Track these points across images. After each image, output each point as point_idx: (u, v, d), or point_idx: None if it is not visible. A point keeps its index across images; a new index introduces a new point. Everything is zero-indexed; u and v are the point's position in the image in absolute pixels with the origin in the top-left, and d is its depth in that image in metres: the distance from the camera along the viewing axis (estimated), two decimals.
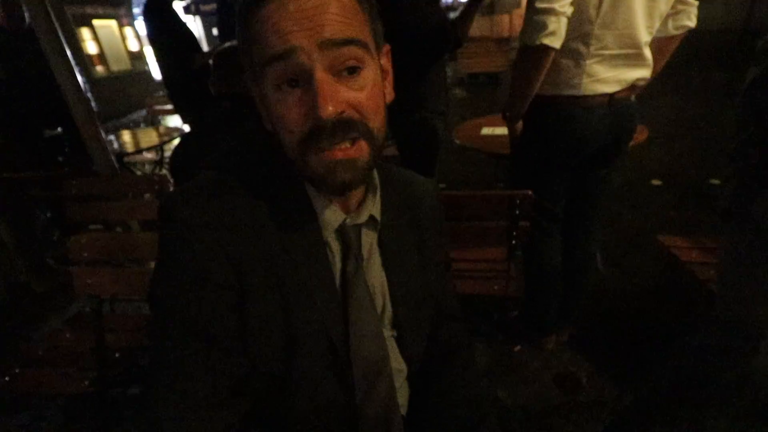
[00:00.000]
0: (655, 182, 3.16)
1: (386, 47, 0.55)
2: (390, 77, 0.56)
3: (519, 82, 1.23)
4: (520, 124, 1.38)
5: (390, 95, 0.55)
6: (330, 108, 0.44)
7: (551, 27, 1.07)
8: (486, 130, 2.42)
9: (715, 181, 3.04)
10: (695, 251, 1.68)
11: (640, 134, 2.04)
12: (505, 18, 8.78)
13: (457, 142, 2.32)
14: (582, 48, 1.15)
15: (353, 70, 0.47)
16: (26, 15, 2.31)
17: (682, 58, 1.34)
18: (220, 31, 2.51)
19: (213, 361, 0.50)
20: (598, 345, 1.73)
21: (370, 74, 0.48)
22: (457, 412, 0.67)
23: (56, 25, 1.77)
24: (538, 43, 1.09)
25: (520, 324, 1.80)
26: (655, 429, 1.05)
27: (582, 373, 1.61)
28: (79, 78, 1.85)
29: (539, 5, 1.06)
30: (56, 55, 1.76)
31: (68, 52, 1.81)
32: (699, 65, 6.53)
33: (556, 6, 1.04)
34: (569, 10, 1.07)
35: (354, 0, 0.47)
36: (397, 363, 0.65)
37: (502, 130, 2.04)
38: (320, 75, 0.44)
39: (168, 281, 0.51)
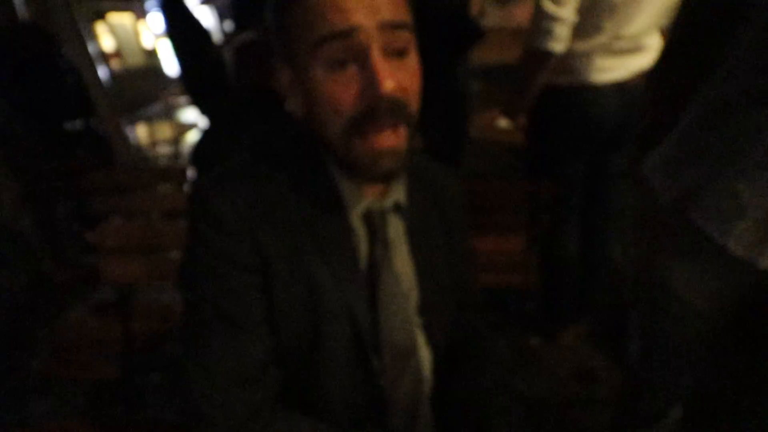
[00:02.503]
0: None
1: None
2: None
3: (521, 82, 1.30)
4: (521, 118, 1.44)
5: None
6: (390, 85, 0.45)
7: (557, 34, 1.14)
8: (503, 122, 2.39)
9: None
10: None
11: None
12: (521, 7, 8.61)
13: (473, 133, 2.29)
14: (589, 41, 1.19)
15: (402, 53, 0.48)
16: (19, 11, 2.34)
17: None
18: (236, 19, 2.51)
19: (239, 340, 0.51)
20: (617, 339, 1.71)
21: (414, 58, 0.50)
22: (482, 400, 0.67)
23: (77, 21, 1.80)
24: (543, 48, 1.17)
25: (537, 316, 1.79)
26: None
27: (600, 367, 1.60)
28: (101, 72, 1.87)
29: (547, 10, 1.12)
30: (80, 52, 1.78)
31: (89, 48, 1.84)
32: None
33: (562, 14, 1.12)
34: (574, 17, 1.14)
35: None
36: (424, 350, 0.65)
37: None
38: (376, 54, 0.45)
39: (196, 264, 0.53)
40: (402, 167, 0.51)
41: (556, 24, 1.13)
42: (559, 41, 1.15)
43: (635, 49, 1.21)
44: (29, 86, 2.40)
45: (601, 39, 1.18)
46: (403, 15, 0.48)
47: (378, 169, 0.49)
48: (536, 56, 1.21)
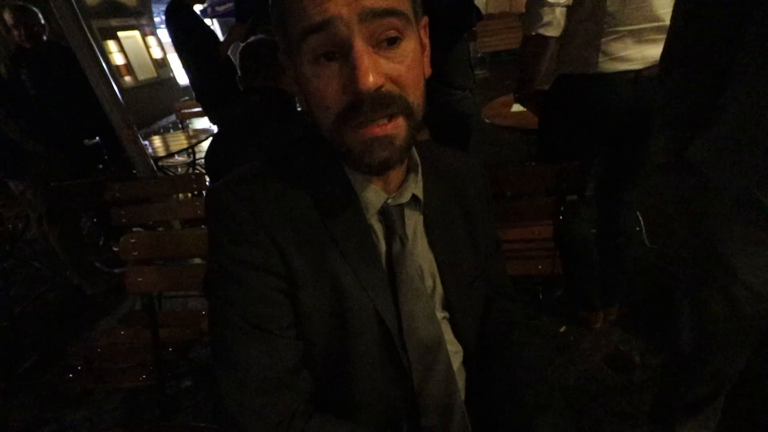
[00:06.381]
0: None
1: (424, 19, 0.52)
2: (428, 51, 0.53)
3: (524, 66, 1.32)
4: (534, 102, 1.43)
5: (427, 70, 0.52)
6: (370, 80, 0.42)
7: (546, 18, 1.15)
8: (516, 107, 2.34)
9: None
10: None
11: None
12: None
13: (487, 120, 2.25)
14: (594, 26, 1.14)
15: (393, 41, 0.44)
16: (42, 31, 2.41)
17: None
18: (237, 17, 2.53)
19: (268, 345, 0.50)
20: (650, 322, 1.66)
21: (410, 46, 0.46)
22: (519, 394, 0.64)
23: (90, 38, 1.83)
24: (533, 33, 1.18)
25: (565, 303, 1.75)
26: (692, 393, 1.00)
27: (635, 351, 1.55)
28: (115, 87, 1.91)
29: None
30: (92, 67, 1.81)
31: (103, 64, 1.87)
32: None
33: None
34: (567, 0, 1.12)
35: None
36: (453, 345, 0.63)
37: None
38: (359, 46, 0.42)
39: (220, 272, 0.52)
40: (400, 157, 0.48)
41: (545, 9, 1.13)
42: (549, 26, 1.15)
43: (650, 35, 1.14)
44: (52, 105, 2.48)
45: (612, 27, 1.13)
46: (391, 1, 0.43)
47: (371, 158, 0.46)
48: (530, 41, 1.21)
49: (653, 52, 1.14)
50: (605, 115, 1.23)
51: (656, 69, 1.14)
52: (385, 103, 0.44)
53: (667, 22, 1.10)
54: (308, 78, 0.46)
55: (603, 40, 1.14)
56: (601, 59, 1.16)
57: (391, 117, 0.45)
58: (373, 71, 0.42)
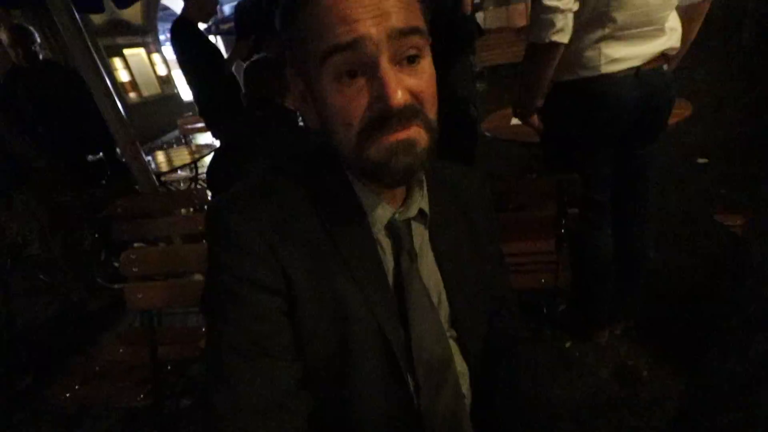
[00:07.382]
0: (701, 160, 2.97)
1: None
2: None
3: (530, 78, 1.25)
4: (535, 117, 1.39)
5: None
6: (399, 96, 0.43)
7: (559, 24, 1.10)
8: (516, 120, 2.35)
9: None
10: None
11: (684, 110, 1.92)
12: (522, 6, 8.57)
13: (487, 134, 2.26)
14: (597, 32, 1.15)
15: (413, 59, 0.46)
16: (39, 50, 2.43)
17: (715, 23, 1.26)
18: (238, 33, 2.57)
19: (266, 366, 0.49)
20: (656, 335, 1.63)
21: (427, 62, 0.47)
22: (523, 416, 0.63)
23: (95, 56, 1.86)
24: (547, 41, 1.13)
25: (570, 318, 1.72)
26: (723, 417, 0.97)
27: (642, 365, 1.52)
28: (118, 103, 1.93)
29: (546, 3, 1.09)
30: (97, 84, 1.84)
31: (107, 81, 1.90)
32: (733, 30, 6.10)
33: (561, 4, 1.08)
34: (575, 5, 1.10)
35: None
36: (460, 364, 0.61)
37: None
38: (386, 65, 0.43)
39: (218, 289, 0.50)
40: (420, 165, 0.48)
41: (557, 15, 1.10)
42: (562, 32, 1.13)
43: (648, 35, 1.16)
44: (52, 122, 2.50)
45: (612, 31, 1.14)
46: (415, 20, 0.45)
47: (394, 166, 0.46)
48: (541, 50, 1.18)
49: (650, 48, 1.17)
50: (613, 114, 1.23)
51: (656, 63, 1.19)
52: (409, 116, 0.45)
53: (662, 25, 1.14)
54: (329, 95, 0.46)
55: (603, 44, 1.16)
56: (603, 62, 1.17)
57: (409, 127, 0.46)
58: (401, 88, 0.43)
